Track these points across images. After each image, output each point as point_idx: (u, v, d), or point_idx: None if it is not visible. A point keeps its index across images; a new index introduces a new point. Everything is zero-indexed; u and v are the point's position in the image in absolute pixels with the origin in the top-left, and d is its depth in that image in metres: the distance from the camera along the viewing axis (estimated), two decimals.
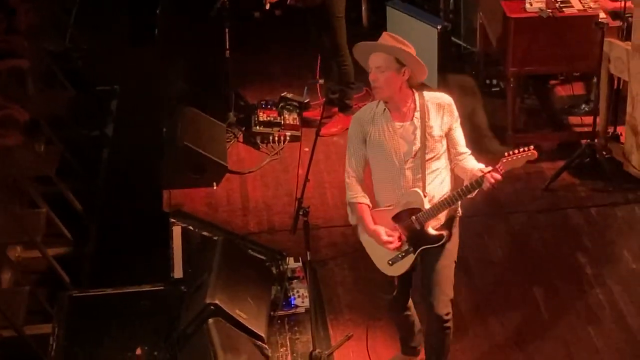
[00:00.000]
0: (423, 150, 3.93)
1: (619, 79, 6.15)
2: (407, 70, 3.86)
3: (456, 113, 3.83)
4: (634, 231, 5.84)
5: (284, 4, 6.98)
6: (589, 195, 6.18)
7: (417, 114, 3.93)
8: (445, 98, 4.03)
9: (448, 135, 3.97)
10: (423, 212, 3.94)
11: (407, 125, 3.95)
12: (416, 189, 3.94)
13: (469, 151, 3.89)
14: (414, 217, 3.95)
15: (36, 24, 7.74)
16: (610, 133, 6.40)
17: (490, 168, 3.91)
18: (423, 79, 4.10)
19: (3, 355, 5.35)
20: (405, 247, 4.10)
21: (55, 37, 8.29)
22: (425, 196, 3.97)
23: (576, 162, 6.22)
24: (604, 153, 6.22)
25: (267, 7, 6.97)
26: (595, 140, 6.18)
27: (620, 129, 6.34)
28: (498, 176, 3.87)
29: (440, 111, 4.01)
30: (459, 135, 4.05)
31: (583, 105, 6.94)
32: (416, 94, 3.96)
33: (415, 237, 4.02)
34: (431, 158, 3.97)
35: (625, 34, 6.09)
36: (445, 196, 4.01)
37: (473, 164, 3.98)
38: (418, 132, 3.91)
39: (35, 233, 6.01)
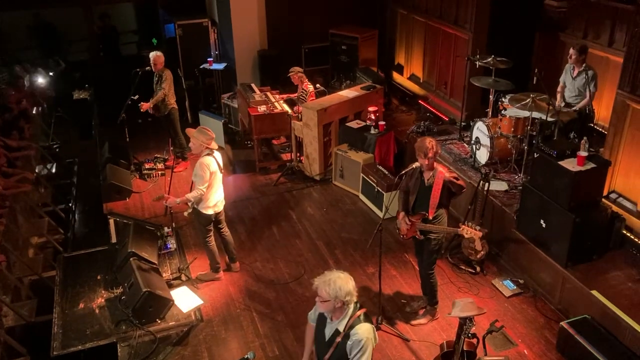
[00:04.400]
0: None
1: (298, 137, 9.33)
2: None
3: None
4: (310, 199, 9.07)
5: (153, 114, 9.63)
6: (292, 186, 9.46)
7: None
8: None
9: None
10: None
11: None
12: None
13: None
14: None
15: (36, 134, 10.08)
16: (299, 159, 9.45)
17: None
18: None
19: None
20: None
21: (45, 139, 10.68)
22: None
23: (286, 172, 9.58)
24: (297, 167, 9.56)
25: (150, 111, 9.39)
26: (293, 162, 9.56)
27: (302, 158, 9.48)
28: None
29: None
30: None
31: (287, 148, 10.18)
32: None
33: None
34: None
35: (301, 117, 9.22)
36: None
37: None
38: None
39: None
